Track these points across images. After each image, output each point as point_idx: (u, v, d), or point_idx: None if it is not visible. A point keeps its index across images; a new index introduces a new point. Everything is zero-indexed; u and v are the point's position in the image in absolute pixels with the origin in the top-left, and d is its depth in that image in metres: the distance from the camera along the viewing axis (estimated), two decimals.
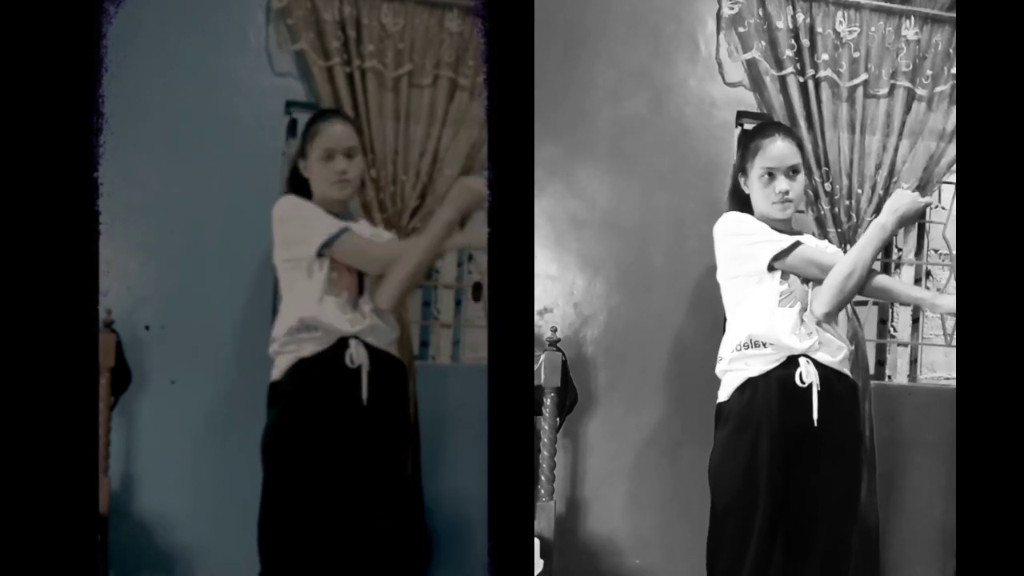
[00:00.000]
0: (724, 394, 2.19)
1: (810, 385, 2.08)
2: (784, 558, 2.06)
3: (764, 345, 2.13)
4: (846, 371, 2.19)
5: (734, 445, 2.11)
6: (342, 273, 2.15)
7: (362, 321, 2.15)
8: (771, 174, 2.18)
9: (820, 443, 2.08)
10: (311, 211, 2.18)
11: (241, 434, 2.57)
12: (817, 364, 2.12)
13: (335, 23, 2.61)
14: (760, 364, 2.12)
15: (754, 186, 2.22)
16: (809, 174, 2.68)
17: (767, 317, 2.14)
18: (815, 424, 2.07)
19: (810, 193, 2.71)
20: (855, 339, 2.71)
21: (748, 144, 2.25)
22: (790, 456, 2.07)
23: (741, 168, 2.27)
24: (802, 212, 2.54)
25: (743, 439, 2.09)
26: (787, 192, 2.18)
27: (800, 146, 2.28)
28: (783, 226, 2.23)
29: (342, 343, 2.12)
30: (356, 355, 2.11)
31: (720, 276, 2.25)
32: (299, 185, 2.25)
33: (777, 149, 2.19)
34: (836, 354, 2.15)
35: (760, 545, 2.05)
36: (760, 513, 2.05)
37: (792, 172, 2.19)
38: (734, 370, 2.17)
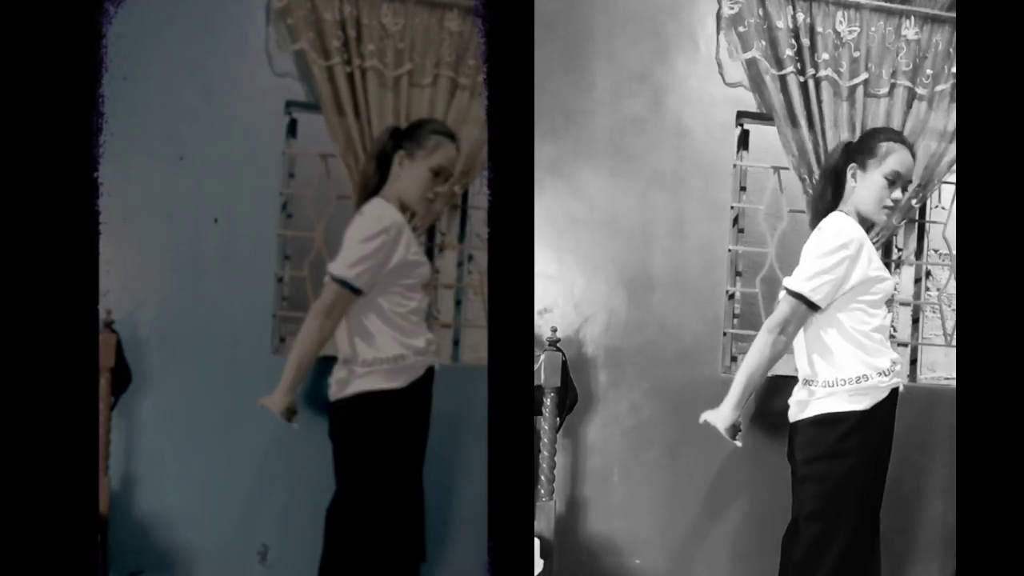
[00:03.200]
0: (843, 405, 2.20)
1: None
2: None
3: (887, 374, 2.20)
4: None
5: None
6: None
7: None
8: (894, 181, 2.24)
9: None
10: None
11: (241, 434, 2.58)
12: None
13: (335, 23, 2.61)
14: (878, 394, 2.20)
15: (869, 184, 2.25)
16: (810, 174, 2.69)
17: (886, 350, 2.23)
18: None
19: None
20: None
21: (875, 143, 2.29)
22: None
23: (859, 162, 2.29)
24: None
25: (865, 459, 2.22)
26: (898, 202, 2.25)
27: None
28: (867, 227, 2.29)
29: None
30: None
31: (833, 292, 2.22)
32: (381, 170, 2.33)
33: (907, 158, 2.27)
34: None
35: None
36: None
37: (905, 185, 2.29)
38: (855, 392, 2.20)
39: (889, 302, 2.25)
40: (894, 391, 2.21)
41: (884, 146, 2.28)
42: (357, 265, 2.17)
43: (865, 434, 2.17)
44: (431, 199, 2.23)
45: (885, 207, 2.25)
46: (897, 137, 2.34)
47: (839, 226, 2.21)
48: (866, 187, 2.27)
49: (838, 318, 2.19)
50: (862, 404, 2.16)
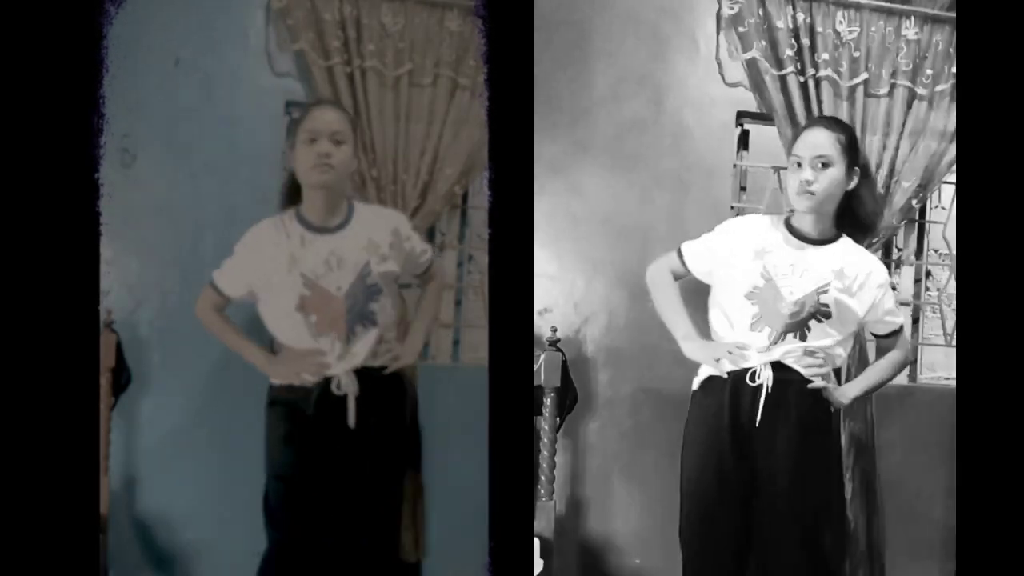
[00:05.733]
0: (696, 383, 2.20)
1: (760, 386, 2.08)
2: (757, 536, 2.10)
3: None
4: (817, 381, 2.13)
5: (696, 433, 2.15)
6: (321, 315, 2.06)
7: (356, 356, 2.07)
8: (799, 163, 2.09)
9: (759, 440, 2.09)
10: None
11: (241, 434, 2.58)
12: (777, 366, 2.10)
13: (335, 23, 2.61)
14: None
15: (788, 174, 2.15)
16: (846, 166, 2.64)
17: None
18: (757, 424, 2.07)
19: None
20: (856, 339, 2.71)
21: (795, 134, 2.22)
22: (741, 449, 2.09)
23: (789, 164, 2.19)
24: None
25: (702, 429, 2.14)
26: (810, 183, 2.07)
27: (847, 144, 2.12)
28: (813, 226, 2.13)
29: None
30: (344, 384, 2.05)
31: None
32: (293, 191, 2.15)
33: (812, 137, 2.12)
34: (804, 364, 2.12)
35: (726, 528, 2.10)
36: (718, 500, 2.09)
37: (821, 164, 2.07)
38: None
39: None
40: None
41: (795, 132, 2.23)
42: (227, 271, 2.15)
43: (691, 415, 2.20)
44: (314, 164, 2.01)
45: (797, 192, 2.09)
46: (812, 123, 2.22)
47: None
48: (787, 177, 2.16)
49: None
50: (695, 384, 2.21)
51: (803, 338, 2.11)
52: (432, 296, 2.32)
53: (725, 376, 2.11)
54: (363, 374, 2.08)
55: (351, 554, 2.08)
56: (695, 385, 2.19)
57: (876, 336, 2.30)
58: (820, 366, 2.13)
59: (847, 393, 2.21)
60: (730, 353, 2.10)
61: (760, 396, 2.08)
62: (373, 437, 2.08)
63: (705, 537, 2.11)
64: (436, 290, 2.33)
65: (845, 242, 2.18)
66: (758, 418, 2.07)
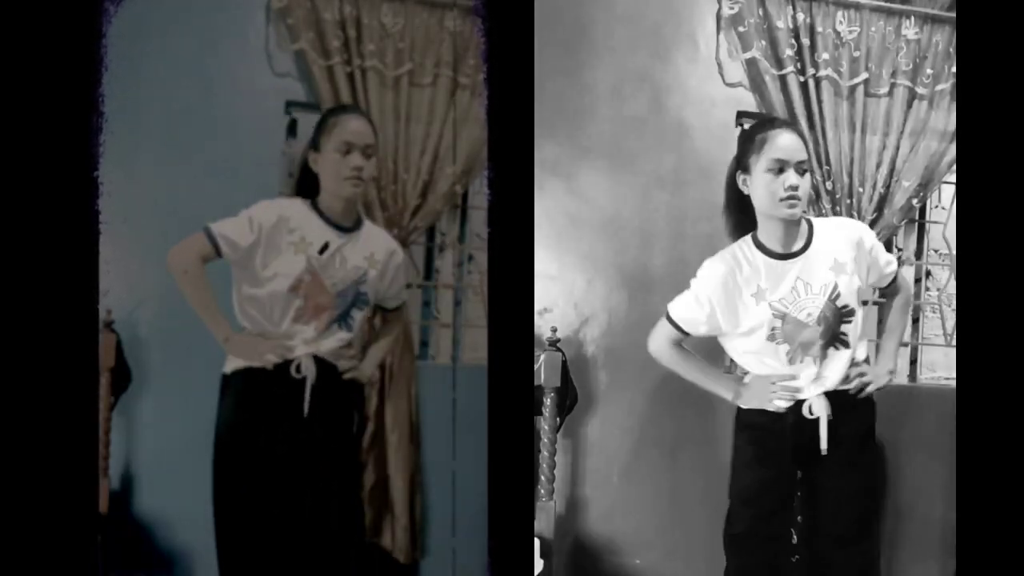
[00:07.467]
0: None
1: (818, 418, 2.04)
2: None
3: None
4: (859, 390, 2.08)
5: (753, 454, 2.12)
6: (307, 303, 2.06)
7: (321, 347, 2.07)
8: (780, 168, 1.97)
9: (827, 461, 2.05)
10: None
11: None
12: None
13: (335, 23, 2.61)
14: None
15: (758, 182, 2.00)
16: (811, 174, 2.67)
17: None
18: (823, 452, 2.03)
19: (811, 192, 2.70)
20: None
21: (752, 138, 2.05)
22: (803, 472, 2.11)
23: (742, 166, 2.05)
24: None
25: (759, 450, 2.11)
26: (796, 188, 1.96)
27: (806, 146, 2.07)
28: (786, 232, 2.03)
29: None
30: (304, 367, 2.04)
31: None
32: (307, 185, 2.13)
33: (787, 140, 1.99)
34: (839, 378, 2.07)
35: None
36: (773, 513, 2.11)
37: (801, 169, 1.98)
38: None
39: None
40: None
41: (759, 138, 2.02)
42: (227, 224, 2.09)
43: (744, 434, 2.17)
44: (348, 176, 2.03)
45: (782, 199, 1.97)
46: (774, 123, 2.09)
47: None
48: (757, 188, 2.02)
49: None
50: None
51: (844, 344, 2.04)
52: (394, 332, 2.33)
53: (781, 411, 2.07)
54: (323, 367, 2.07)
55: (300, 539, 2.06)
56: (736, 401, 2.15)
57: (881, 289, 2.22)
58: (863, 375, 2.08)
59: (884, 368, 2.15)
60: (783, 390, 2.06)
61: (820, 427, 2.02)
62: (323, 425, 2.07)
63: (753, 548, 2.12)
64: (400, 331, 2.35)
65: (818, 232, 2.07)
66: (824, 448, 2.02)
